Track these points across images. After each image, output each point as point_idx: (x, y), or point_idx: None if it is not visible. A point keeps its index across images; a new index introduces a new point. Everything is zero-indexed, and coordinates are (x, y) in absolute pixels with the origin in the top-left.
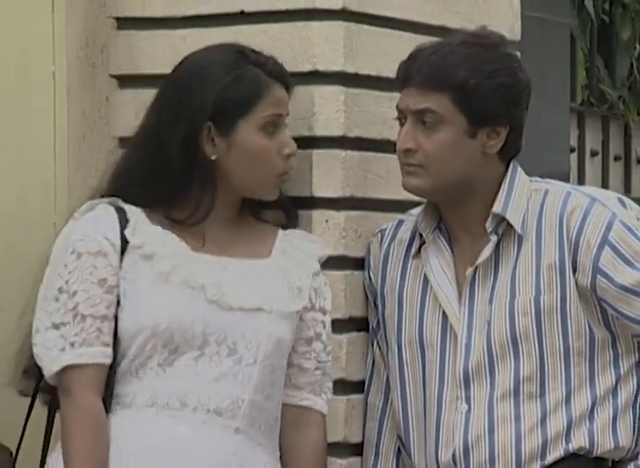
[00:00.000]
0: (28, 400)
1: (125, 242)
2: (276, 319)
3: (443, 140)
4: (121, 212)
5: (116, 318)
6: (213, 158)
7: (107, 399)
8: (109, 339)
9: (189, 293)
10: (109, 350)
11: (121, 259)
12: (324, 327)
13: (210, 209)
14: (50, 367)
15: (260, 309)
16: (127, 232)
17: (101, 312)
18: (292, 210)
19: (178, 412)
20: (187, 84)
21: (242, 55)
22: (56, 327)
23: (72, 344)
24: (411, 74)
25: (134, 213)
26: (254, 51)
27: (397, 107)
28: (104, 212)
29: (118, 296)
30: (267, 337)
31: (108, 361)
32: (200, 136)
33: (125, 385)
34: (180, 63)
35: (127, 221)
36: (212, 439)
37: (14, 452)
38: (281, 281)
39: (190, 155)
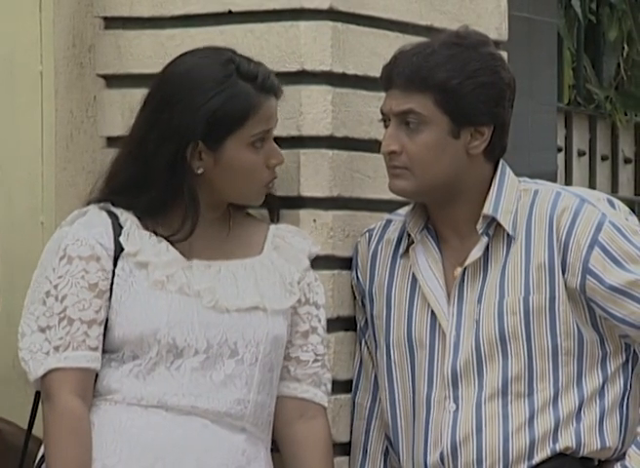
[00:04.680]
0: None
1: (119, 248)
2: (272, 316)
3: (426, 142)
4: (113, 216)
5: (107, 323)
6: (199, 172)
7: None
8: (97, 344)
9: (186, 300)
10: (96, 354)
11: (114, 265)
12: (319, 320)
13: (195, 224)
14: (35, 371)
15: (255, 308)
16: (121, 239)
17: (90, 316)
18: (275, 207)
19: (187, 413)
20: (176, 101)
21: (232, 66)
22: (42, 330)
23: (57, 348)
24: (393, 77)
25: (126, 217)
26: (243, 58)
27: (381, 110)
28: (97, 217)
29: (110, 301)
30: (265, 335)
31: (94, 365)
32: (188, 152)
33: (130, 387)
34: (167, 72)
35: (120, 227)
36: (221, 437)
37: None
38: (274, 277)
39: (177, 170)
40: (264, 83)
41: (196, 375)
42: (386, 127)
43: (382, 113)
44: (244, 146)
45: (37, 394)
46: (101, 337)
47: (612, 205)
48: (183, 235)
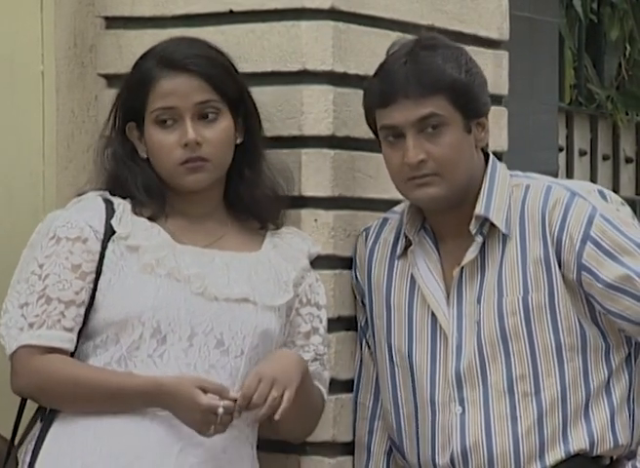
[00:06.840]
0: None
1: (111, 231)
2: (262, 311)
3: (450, 142)
4: (108, 202)
5: (91, 305)
6: (144, 155)
7: None
8: (72, 325)
9: (175, 285)
10: (70, 335)
11: (105, 247)
12: (320, 321)
13: (162, 200)
14: (9, 346)
15: (245, 300)
16: (113, 222)
17: (69, 297)
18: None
19: None
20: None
21: (156, 47)
22: (21, 307)
23: (31, 325)
24: (397, 88)
25: (120, 203)
26: (179, 40)
27: (388, 126)
28: (92, 201)
29: (99, 283)
30: (253, 329)
31: (66, 346)
32: (130, 136)
33: None
34: None
35: (113, 211)
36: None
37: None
38: (269, 274)
39: (129, 155)
40: (163, 58)
41: (180, 365)
42: (389, 143)
43: (391, 127)
44: (150, 124)
45: (23, 401)
46: (80, 319)
47: (603, 196)
48: (159, 211)
